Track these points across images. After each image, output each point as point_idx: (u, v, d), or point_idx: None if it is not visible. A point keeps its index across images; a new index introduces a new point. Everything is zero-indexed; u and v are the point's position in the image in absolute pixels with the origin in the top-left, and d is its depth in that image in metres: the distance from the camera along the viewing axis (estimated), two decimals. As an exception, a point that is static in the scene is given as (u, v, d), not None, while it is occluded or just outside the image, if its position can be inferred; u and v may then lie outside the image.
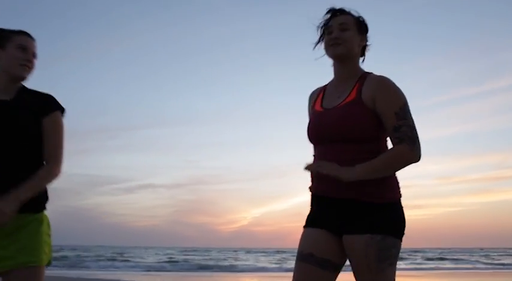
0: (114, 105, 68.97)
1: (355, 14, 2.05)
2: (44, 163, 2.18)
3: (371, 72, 2.03)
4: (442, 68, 61.87)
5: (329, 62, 2.09)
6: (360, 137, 1.89)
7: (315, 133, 2.00)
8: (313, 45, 2.09)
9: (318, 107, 2.05)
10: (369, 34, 2.08)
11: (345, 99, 1.95)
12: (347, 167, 1.85)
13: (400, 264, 22.53)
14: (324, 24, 2.04)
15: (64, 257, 26.29)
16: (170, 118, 69.74)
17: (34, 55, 2.24)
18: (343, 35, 1.98)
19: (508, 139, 60.60)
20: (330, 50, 2.01)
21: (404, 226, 1.94)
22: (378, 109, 1.91)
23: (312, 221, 2.00)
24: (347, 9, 2.05)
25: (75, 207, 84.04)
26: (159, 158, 73.57)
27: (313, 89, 2.19)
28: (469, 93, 55.54)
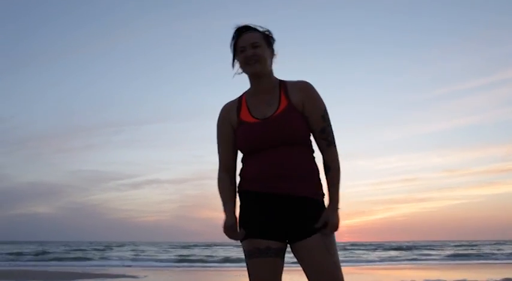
0: (119, 101, 69.13)
1: (261, 30, 2.14)
2: None
3: (285, 80, 2.14)
4: (445, 61, 61.50)
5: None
6: (302, 140, 2.05)
7: (257, 142, 2.04)
8: (231, 65, 2.17)
9: (250, 119, 2.09)
10: (275, 44, 2.16)
11: (279, 106, 2.06)
12: (332, 213, 2.01)
13: (404, 256, 22.61)
14: (235, 43, 2.13)
15: (69, 251, 26.51)
16: (176, 113, 69.89)
17: None
18: (257, 52, 2.07)
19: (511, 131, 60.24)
20: (247, 68, 2.11)
21: None
22: (306, 112, 2.06)
23: (258, 231, 2.03)
24: (253, 26, 2.14)
25: (81, 203, 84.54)
26: (164, 153, 73.77)
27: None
28: (472, 85, 55.21)
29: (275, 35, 2.15)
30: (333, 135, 2.09)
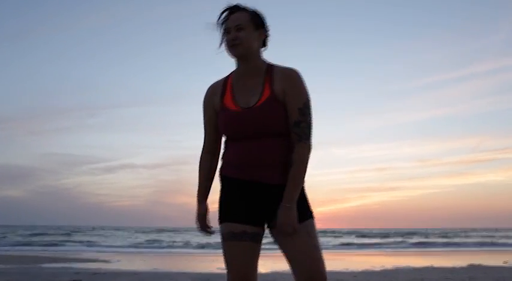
0: (96, 84, 67.63)
1: (250, 9, 2.10)
2: None
3: (275, 64, 2.10)
4: (422, 52, 62.19)
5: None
6: (282, 132, 2.02)
7: (237, 131, 2.04)
8: (218, 44, 2.13)
9: (232, 106, 2.07)
10: (267, 25, 2.11)
11: (262, 96, 2.03)
12: (288, 210, 1.98)
13: (375, 243, 23.07)
14: (222, 23, 2.10)
15: (40, 235, 26.17)
16: (154, 98, 68.87)
17: None
18: (239, 36, 2.04)
19: (485, 123, 61.55)
20: (230, 51, 2.08)
21: None
22: (286, 102, 2.03)
23: (235, 213, 2.06)
24: (242, 6, 2.09)
25: (54, 187, 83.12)
26: (139, 137, 72.82)
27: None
28: (449, 77, 56.02)
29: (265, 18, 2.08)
30: (307, 131, 2.02)
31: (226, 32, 2.08)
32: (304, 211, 2.04)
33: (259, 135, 2.02)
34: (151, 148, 74.48)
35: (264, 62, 2.12)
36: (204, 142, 2.21)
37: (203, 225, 2.19)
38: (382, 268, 9.04)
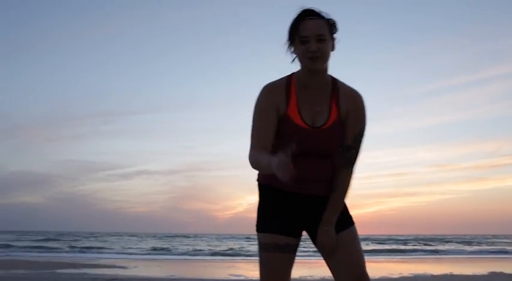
0: (110, 91, 68.35)
1: (326, 17, 1.97)
2: None
3: (339, 80, 2.04)
4: (435, 57, 61.62)
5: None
6: (336, 152, 2.03)
7: (301, 148, 1.93)
8: (286, 48, 1.99)
9: (299, 121, 1.97)
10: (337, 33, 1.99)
11: (329, 118, 1.99)
12: (327, 232, 2.02)
13: (392, 249, 22.80)
14: (296, 28, 1.94)
15: (56, 241, 26.40)
16: (167, 104, 69.30)
17: None
18: (321, 48, 1.91)
19: (503, 127, 60.62)
20: (307, 63, 1.94)
21: None
22: (345, 124, 2.01)
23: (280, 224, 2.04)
24: (318, 11, 1.96)
25: (71, 193, 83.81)
26: (155, 144, 73.34)
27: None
28: (462, 81, 55.39)
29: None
30: (355, 158, 2.03)
31: (303, 41, 1.92)
32: (349, 217, 2.09)
33: (319, 154, 2.00)
34: (166, 154, 74.88)
35: (329, 75, 2.03)
36: (257, 141, 1.98)
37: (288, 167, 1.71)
38: (400, 275, 8.93)
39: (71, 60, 67.69)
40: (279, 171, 1.69)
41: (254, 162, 1.94)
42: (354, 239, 2.07)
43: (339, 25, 2.00)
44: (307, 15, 1.95)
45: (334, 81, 2.04)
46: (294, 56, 2.00)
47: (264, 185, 2.09)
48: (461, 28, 66.90)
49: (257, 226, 2.07)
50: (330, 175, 2.04)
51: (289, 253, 2.04)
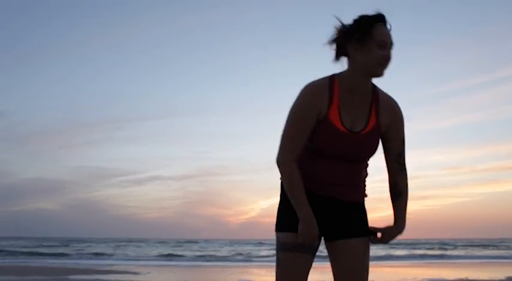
0: (122, 97, 68.81)
1: (390, 27, 1.95)
2: None
3: (378, 87, 2.04)
4: (447, 58, 61.15)
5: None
6: (370, 158, 2.08)
7: (339, 152, 1.96)
8: (360, 43, 1.89)
9: (339, 124, 1.95)
10: None
11: (368, 124, 1.99)
12: (395, 233, 2.10)
13: (406, 254, 22.60)
14: (370, 30, 1.88)
15: (70, 247, 26.57)
16: (179, 109, 69.54)
17: None
18: (391, 56, 1.93)
19: (519, 129, 59.92)
20: (377, 69, 1.91)
21: None
22: (388, 134, 2.04)
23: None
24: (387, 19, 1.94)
25: (84, 199, 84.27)
26: (167, 149, 73.46)
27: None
28: (475, 82, 54.87)
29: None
30: (405, 160, 2.10)
31: (380, 46, 1.88)
32: (367, 226, 2.07)
33: (354, 159, 2.01)
34: (178, 159, 75.11)
35: (371, 82, 2.02)
36: (293, 148, 1.94)
37: (315, 232, 1.96)
38: (414, 280, 8.83)
39: (82, 66, 68.40)
40: (303, 236, 1.93)
41: (288, 182, 1.97)
42: (364, 251, 2.04)
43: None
44: (380, 20, 1.92)
45: (375, 87, 2.03)
46: (349, 55, 1.94)
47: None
48: (472, 29, 66.41)
49: (277, 225, 2.04)
50: (361, 180, 2.07)
51: (310, 254, 2.00)
